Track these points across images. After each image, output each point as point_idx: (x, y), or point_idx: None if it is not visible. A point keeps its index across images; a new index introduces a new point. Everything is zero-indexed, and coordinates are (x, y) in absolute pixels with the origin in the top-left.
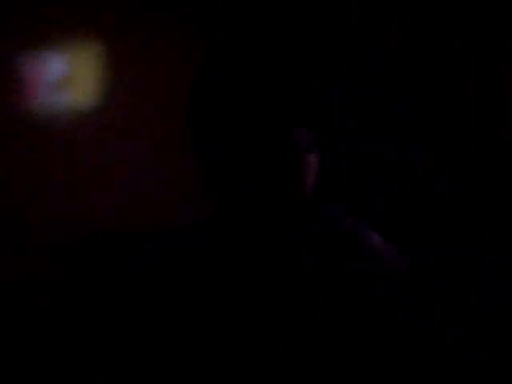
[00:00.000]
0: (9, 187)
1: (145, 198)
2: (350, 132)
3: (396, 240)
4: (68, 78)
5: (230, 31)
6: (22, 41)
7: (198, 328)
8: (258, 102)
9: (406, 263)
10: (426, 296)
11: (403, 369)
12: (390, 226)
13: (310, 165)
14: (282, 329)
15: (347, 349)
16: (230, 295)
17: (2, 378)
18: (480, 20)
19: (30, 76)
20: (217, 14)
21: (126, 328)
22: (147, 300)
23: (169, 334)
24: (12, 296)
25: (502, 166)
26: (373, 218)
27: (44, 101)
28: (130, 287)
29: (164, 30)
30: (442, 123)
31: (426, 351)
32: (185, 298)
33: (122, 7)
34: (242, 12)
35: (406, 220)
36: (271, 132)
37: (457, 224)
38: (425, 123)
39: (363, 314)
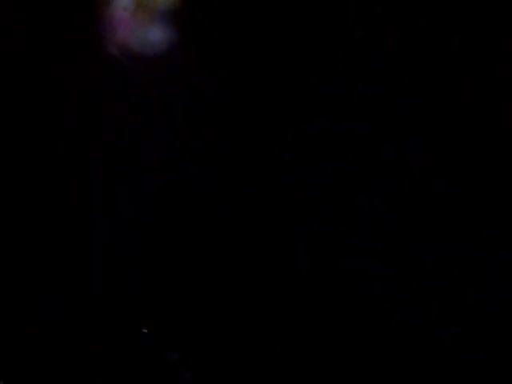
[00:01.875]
0: None
1: None
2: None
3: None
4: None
5: (229, 31)
6: None
7: (199, 328)
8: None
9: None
10: (424, 296)
11: (402, 368)
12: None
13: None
14: (282, 329)
15: (347, 349)
16: (231, 295)
17: (2, 378)
18: (478, 19)
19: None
20: (216, 14)
21: (126, 328)
22: (147, 299)
23: (169, 335)
24: (12, 296)
25: (501, 166)
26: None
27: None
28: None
29: None
30: (440, 122)
31: (424, 350)
32: (185, 298)
33: None
34: (241, 12)
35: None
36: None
37: (455, 223)
38: (422, 122)
39: (362, 314)
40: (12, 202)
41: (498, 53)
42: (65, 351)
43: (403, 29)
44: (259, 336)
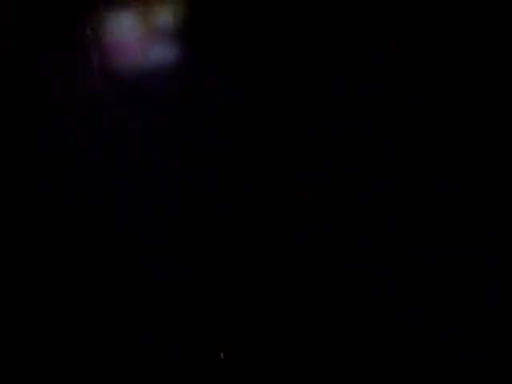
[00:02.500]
0: None
1: None
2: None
3: None
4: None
5: (232, 35)
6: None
7: (199, 328)
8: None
9: None
10: (426, 296)
11: (405, 369)
12: None
13: None
14: (286, 330)
15: (350, 350)
16: (234, 295)
17: (2, 378)
18: (481, 20)
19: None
20: (217, 14)
21: (126, 328)
22: (147, 299)
23: (170, 336)
24: (12, 296)
25: (504, 167)
26: None
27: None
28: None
29: None
30: (443, 124)
31: (427, 352)
32: (187, 298)
33: None
34: (243, 15)
35: None
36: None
37: (458, 225)
38: (426, 123)
39: (365, 315)
40: (11, 202)
41: (501, 54)
42: (65, 351)
43: (406, 30)
44: (262, 337)
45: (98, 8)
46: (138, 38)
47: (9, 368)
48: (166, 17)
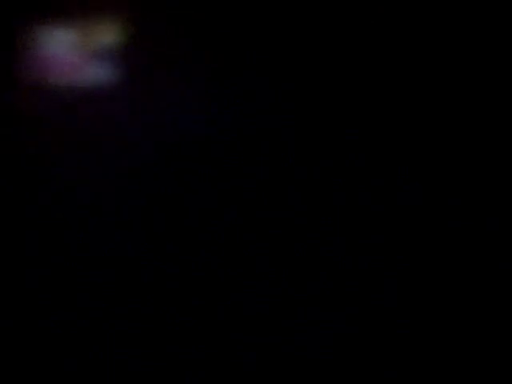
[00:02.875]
0: None
1: None
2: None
3: None
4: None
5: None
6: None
7: (198, 328)
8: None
9: None
10: (425, 296)
11: (403, 369)
12: None
13: None
14: (282, 329)
15: (347, 348)
16: (229, 294)
17: (2, 378)
18: (477, 19)
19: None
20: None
21: (126, 327)
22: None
23: (171, 339)
24: (12, 295)
25: (502, 166)
26: None
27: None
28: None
29: None
30: (442, 123)
31: (425, 351)
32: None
33: None
34: (241, 12)
35: None
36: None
37: (457, 223)
38: (423, 123)
39: (364, 313)
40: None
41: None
42: (65, 351)
43: (405, 30)
44: (259, 336)
45: (35, 21)
46: (76, 55)
47: (9, 368)
48: (108, 34)
